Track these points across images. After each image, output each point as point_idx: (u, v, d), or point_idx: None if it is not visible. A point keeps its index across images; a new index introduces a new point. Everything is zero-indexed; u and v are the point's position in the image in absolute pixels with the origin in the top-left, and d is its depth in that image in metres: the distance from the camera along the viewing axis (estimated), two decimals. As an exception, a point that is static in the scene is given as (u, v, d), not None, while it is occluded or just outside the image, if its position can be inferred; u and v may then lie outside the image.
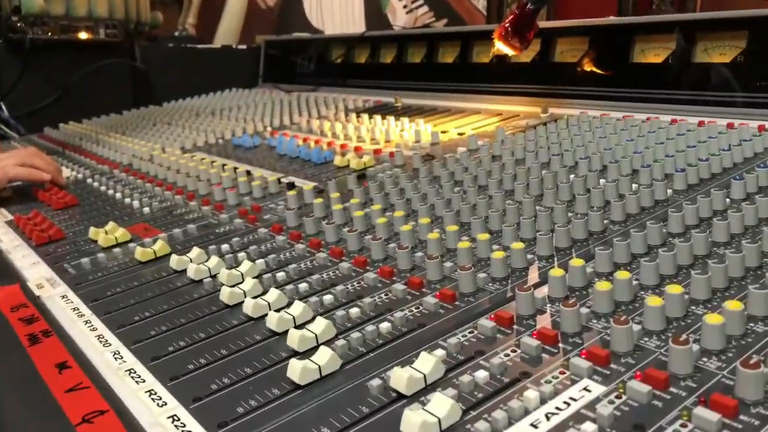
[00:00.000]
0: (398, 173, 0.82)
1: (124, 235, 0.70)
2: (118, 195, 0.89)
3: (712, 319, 0.38)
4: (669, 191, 0.63)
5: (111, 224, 0.73)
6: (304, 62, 1.63)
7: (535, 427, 0.33)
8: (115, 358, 0.46)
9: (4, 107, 1.43)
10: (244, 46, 1.81)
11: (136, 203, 0.83)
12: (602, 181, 0.68)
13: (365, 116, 1.15)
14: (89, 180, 1.00)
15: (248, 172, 0.91)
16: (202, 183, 0.86)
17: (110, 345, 0.48)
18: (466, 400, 0.36)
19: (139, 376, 0.43)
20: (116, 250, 0.68)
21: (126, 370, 0.44)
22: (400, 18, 2.99)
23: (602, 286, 0.44)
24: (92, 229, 0.72)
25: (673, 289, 0.42)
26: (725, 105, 0.86)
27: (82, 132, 1.37)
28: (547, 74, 1.08)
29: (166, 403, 0.39)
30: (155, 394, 0.41)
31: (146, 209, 0.81)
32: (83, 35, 1.51)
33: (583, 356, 0.39)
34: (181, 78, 1.67)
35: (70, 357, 0.46)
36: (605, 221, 0.58)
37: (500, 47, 0.99)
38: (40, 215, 0.81)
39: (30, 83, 1.46)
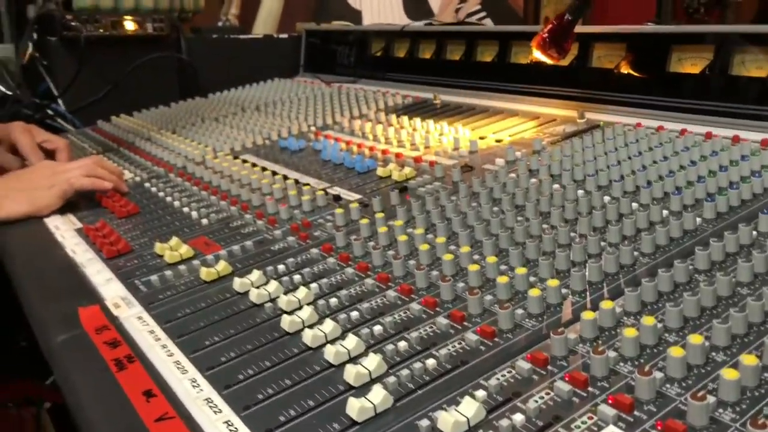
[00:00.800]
0: (438, 187, 0.86)
1: (187, 252, 0.77)
2: (177, 203, 0.95)
3: (729, 374, 0.42)
4: (698, 220, 0.67)
5: (175, 240, 0.79)
6: (344, 53, 1.66)
7: (565, 475, 0.38)
8: (193, 386, 0.52)
9: (61, 102, 1.50)
10: (285, 35, 1.85)
11: (194, 213, 0.90)
12: (634, 205, 0.71)
13: (404, 118, 1.19)
14: (147, 184, 1.06)
15: (297, 181, 0.96)
16: (255, 194, 0.91)
17: (187, 372, 0.54)
18: (505, 445, 0.41)
19: (216, 406, 0.49)
20: (181, 267, 0.74)
21: (204, 399, 0.50)
22: (436, -4, 2.98)
23: (629, 332, 0.48)
24: (158, 245, 0.79)
25: (695, 339, 0.46)
26: (760, 119, 0.88)
27: (133, 126, 1.44)
28: (584, 78, 1.10)
29: (242, 436, 0.46)
30: (232, 425, 0.47)
31: (204, 221, 0.87)
32: (131, 26, 1.56)
33: (610, 402, 0.43)
34: (225, 68, 1.72)
35: (154, 385, 0.52)
36: (635, 253, 0.62)
37: (538, 56, 1.02)
38: (107, 226, 0.88)
39: (82, 78, 1.52)
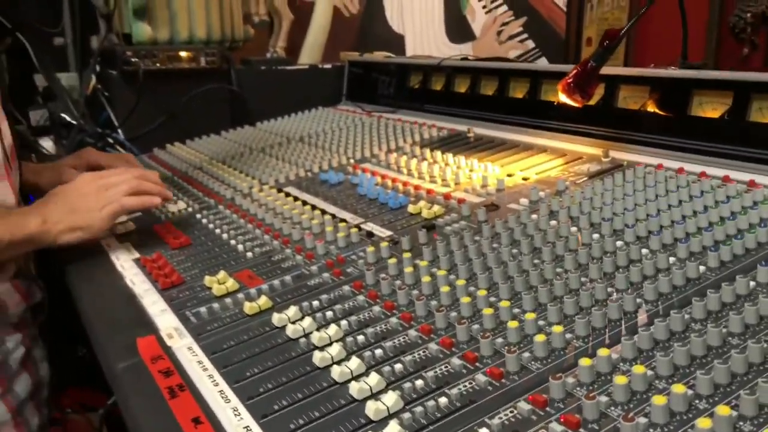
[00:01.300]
0: (465, 226, 0.93)
1: (233, 285, 0.85)
2: (225, 236, 1.04)
3: (703, 423, 0.47)
4: (702, 268, 0.71)
5: (222, 273, 0.88)
6: (384, 84, 1.74)
7: None
8: (235, 415, 0.59)
9: (120, 132, 1.62)
10: (329, 66, 1.94)
11: (240, 247, 0.98)
12: (644, 251, 0.76)
13: (438, 152, 1.26)
14: (198, 215, 1.16)
15: (333, 216, 1.04)
16: (295, 229, 0.99)
17: (230, 401, 0.62)
18: (500, 479, 0.48)
19: (254, 434, 0.57)
20: (227, 300, 0.82)
21: (243, 427, 0.57)
22: (479, 19, 3.04)
23: (620, 380, 0.53)
24: (207, 278, 0.87)
25: (677, 388, 0.51)
26: (776, 164, 0.91)
27: (187, 155, 1.54)
28: (609, 118, 1.15)
29: (275, 461, 0.53)
30: (267, 452, 0.54)
31: (249, 254, 0.96)
32: (186, 60, 1.68)
33: (597, 444, 0.49)
34: (272, 97, 1.82)
35: (201, 413, 0.60)
36: (638, 300, 0.67)
37: (564, 99, 1.08)
38: (162, 257, 0.97)
39: (140, 108, 1.64)
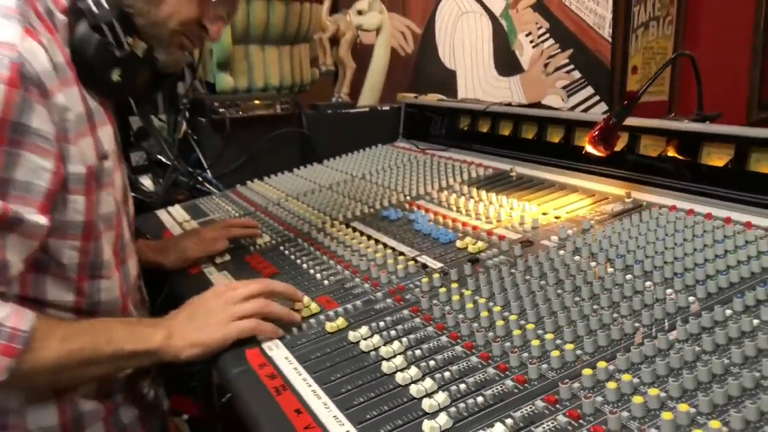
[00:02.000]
0: (503, 261, 1.12)
1: (315, 308, 1.06)
2: (305, 266, 1.26)
3: (666, 416, 0.66)
4: (691, 299, 0.89)
5: (306, 298, 1.09)
6: (437, 124, 1.95)
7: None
8: (326, 408, 0.80)
9: (209, 171, 1.88)
10: (387, 107, 2.16)
11: (318, 275, 1.20)
12: (648, 284, 0.94)
13: (483, 191, 1.46)
14: (281, 247, 1.38)
15: (393, 249, 1.25)
16: (362, 260, 1.20)
17: (320, 398, 0.82)
18: None
19: (341, 422, 0.77)
20: (312, 320, 1.03)
21: (333, 416, 0.78)
22: (526, 52, 3.22)
23: (611, 385, 0.72)
24: (296, 302, 1.09)
25: (653, 392, 0.70)
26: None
27: (265, 191, 1.78)
28: (632, 163, 1.32)
29: (357, 440, 0.74)
30: (351, 433, 0.75)
31: (326, 282, 1.17)
32: (264, 109, 1.93)
33: (591, 430, 0.68)
34: (337, 137, 2.05)
35: (301, 406, 0.81)
36: (636, 324, 0.85)
37: (590, 150, 1.26)
38: (256, 285, 1.19)
39: (225, 151, 1.89)
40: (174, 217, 1.70)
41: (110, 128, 1.04)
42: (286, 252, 1.36)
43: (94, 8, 0.94)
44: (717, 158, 1.18)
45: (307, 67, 2.26)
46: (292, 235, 1.45)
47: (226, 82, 2.03)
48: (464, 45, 3.08)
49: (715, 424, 0.64)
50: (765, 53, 3.32)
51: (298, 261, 1.29)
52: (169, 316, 1.03)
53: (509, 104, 1.78)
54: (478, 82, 3.12)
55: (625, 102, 1.21)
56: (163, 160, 1.94)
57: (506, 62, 3.26)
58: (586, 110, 3.48)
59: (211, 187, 1.88)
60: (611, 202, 1.30)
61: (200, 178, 1.89)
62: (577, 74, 3.46)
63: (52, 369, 0.88)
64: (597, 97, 3.55)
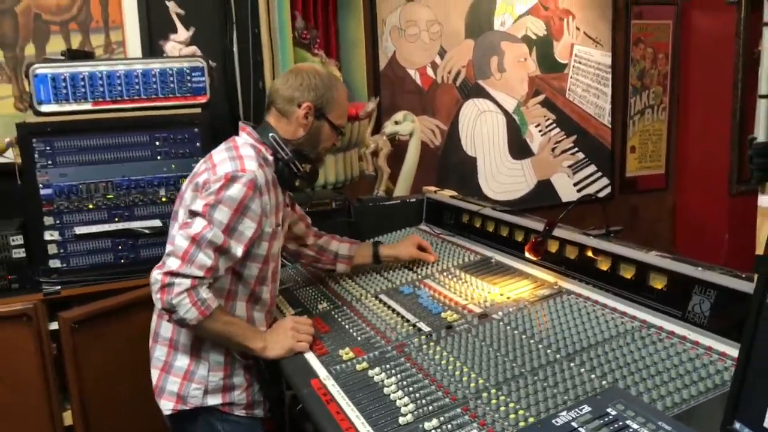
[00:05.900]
0: (467, 328, 1.83)
1: (351, 355, 1.79)
2: (346, 326, 1.99)
3: None
4: (593, 376, 1.58)
5: (346, 348, 1.83)
6: (448, 215, 2.67)
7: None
8: (361, 423, 1.53)
9: (284, 250, 2.65)
10: (413, 199, 2.90)
11: (354, 333, 1.93)
12: (558, 356, 1.64)
13: (469, 275, 2.17)
14: (332, 312, 2.13)
15: (403, 317, 1.97)
16: (382, 324, 1.93)
17: (359, 417, 1.55)
18: (441, 434, 1.39)
19: (363, 423, 1.50)
20: (348, 362, 1.76)
21: (356, 416, 1.51)
22: (536, 139, 3.93)
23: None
24: (340, 350, 1.82)
25: None
26: (660, 311, 1.74)
27: (323, 266, 2.53)
28: (560, 260, 2.02)
29: None
30: None
31: (359, 338, 1.90)
32: (327, 205, 2.70)
33: None
34: (376, 222, 2.80)
35: (346, 419, 1.53)
36: (555, 393, 1.55)
37: (528, 255, 1.97)
38: (316, 338, 1.94)
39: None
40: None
41: (286, 209, 2.03)
42: (336, 316, 2.10)
43: (284, 156, 1.87)
44: (625, 271, 1.85)
45: (355, 165, 3.04)
46: (339, 302, 2.19)
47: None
48: (483, 136, 3.80)
49: None
50: (741, 135, 3.91)
51: (343, 322, 2.03)
52: (268, 331, 1.90)
53: (494, 208, 2.49)
54: (495, 166, 3.82)
55: (547, 228, 1.91)
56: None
57: (519, 148, 3.96)
58: (589, 185, 4.14)
59: (288, 262, 2.65)
60: (546, 287, 1.99)
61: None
62: (581, 155, 4.11)
63: (212, 333, 1.80)
64: (599, 173, 4.19)
